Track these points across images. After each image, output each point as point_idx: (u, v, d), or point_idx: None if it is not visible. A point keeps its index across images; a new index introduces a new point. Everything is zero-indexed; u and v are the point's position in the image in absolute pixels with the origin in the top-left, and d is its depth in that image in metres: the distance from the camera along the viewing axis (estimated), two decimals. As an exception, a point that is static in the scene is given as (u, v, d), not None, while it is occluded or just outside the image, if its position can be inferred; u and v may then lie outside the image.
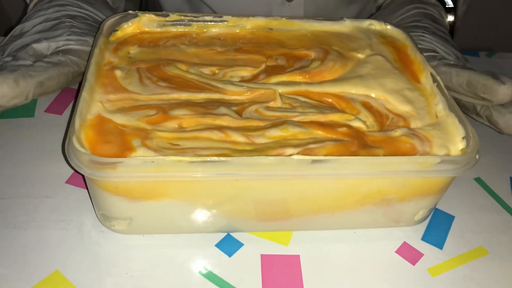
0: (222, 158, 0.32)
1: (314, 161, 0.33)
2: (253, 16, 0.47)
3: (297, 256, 0.38)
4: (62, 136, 0.45)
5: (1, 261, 0.36)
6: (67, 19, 0.47)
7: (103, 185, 0.33)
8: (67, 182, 0.42)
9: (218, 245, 0.38)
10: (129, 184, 0.33)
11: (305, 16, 0.61)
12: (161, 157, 0.32)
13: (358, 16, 0.68)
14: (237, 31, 0.47)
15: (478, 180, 0.46)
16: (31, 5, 0.51)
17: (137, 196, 0.34)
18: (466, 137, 0.37)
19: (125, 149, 0.34)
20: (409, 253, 0.39)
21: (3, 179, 0.42)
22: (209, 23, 0.47)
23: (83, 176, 0.40)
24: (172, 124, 0.37)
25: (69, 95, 0.50)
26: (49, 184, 0.41)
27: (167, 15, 0.46)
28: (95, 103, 0.37)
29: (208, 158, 0.32)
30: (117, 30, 0.45)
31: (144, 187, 0.34)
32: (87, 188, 0.40)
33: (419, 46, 0.49)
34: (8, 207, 0.39)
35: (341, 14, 0.65)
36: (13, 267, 0.36)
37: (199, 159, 0.32)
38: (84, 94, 0.36)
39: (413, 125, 0.39)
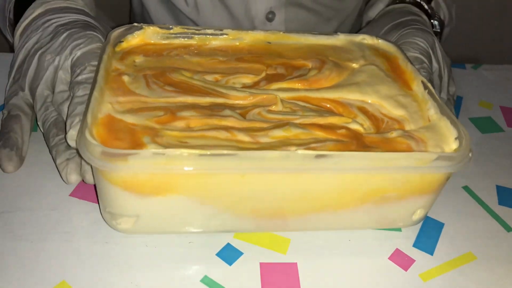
0: (230, 151, 0.33)
1: (318, 156, 0.34)
2: (252, 30, 0.49)
3: (295, 264, 0.39)
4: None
5: (8, 273, 0.36)
6: (60, 28, 0.46)
7: (113, 180, 0.34)
8: (71, 194, 0.42)
9: (218, 254, 0.39)
10: (138, 178, 0.34)
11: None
12: (172, 149, 0.33)
13: (336, 31, 0.71)
14: (237, 44, 0.49)
15: (466, 188, 0.48)
16: (16, 36, 0.50)
17: (145, 191, 0.35)
18: (458, 138, 0.39)
19: (135, 145, 0.35)
20: (401, 259, 0.40)
21: (8, 193, 0.42)
22: (210, 36, 0.49)
23: (92, 185, 0.40)
24: (180, 124, 0.38)
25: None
26: (53, 197, 0.42)
27: (171, 28, 0.48)
28: (105, 104, 0.38)
29: (217, 151, 0.33)
30: (123, 41, 0.46)
31: (153, 182, 0.35)
32: (95, 193, 0.41)
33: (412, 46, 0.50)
34: (14, 220, 0.40)
35: (320, 31, 0.68)
36: (20, 279, 0.36)
37: (208, 152, 0.33)
38: (95, 93, 0.37)
39: (408, 128, 0.41)
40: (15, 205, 0.41)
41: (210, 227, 0.39)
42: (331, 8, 0.70)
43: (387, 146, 0.38)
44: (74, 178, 0.40)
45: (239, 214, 0.38)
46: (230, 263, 0.39)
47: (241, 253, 0.39)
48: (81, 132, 0.34)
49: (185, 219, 0.38)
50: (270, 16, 0.65)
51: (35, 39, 0.47)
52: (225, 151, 0.33)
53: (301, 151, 0.34)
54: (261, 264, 0.39)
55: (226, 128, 0.38)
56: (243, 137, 0.37)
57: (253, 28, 0.66)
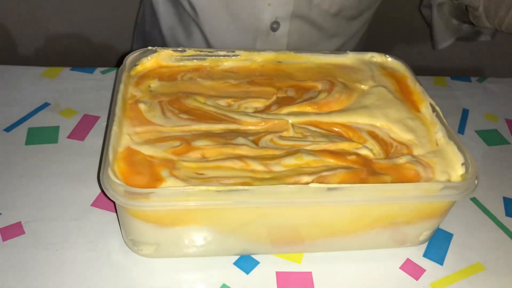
0: (245, 187, 0.35)
1: (329, 189, 0.36)
2: (264, 50, 0.50)
3: (310, 273, 0.41)
4: (85, 161, 0.48)
5: (35, 280, 0.38)
6: None
7: (135, 214, 0.36)
8: (92, 205, 0.45)
9: (236, 263, 0.41)
10: (159, 212, 0.36)
11: (290, 46, 0.65)
12: (191, 187, 0.35)
13: (339, 49, 0.71)
14: (249, 64, 0.50)
15: (474, 200, 0.49)
16: None
17: (166, 223, 0.37)
18: (465, 164, 0.40)
19: (155, 180, 0.37)
20: (412, 269, 0.42)
21: (32, 203, 0.44)
22: (222, 57, 0.50)
23: (110, 200, 0.42)
24: (196, 154, 0.40)
25: (89, 122, 0.53)
26: (75, 207, 0.44)
27: (184, 51, 0.49)
28: (124, 136, 0.40)
29: (234, 187, 0.35)
30: (137, 64, 0.48)
31: (173, 215, 0.36)
32: (115, 211, 0.43)
33: None
34: (39, 230, 0.42)
35: (323, 47, 0.69)
36: (46, 285, 0.38)
37: (225, 188, 0.35)
38: (114, 128, 0.39)
39: (416, 152, 0.42)
40: (39, 215, 0.43)
41: (229, 251, 0.41)
42: (337, 27, 0.70)
43: (396, 173, 0.40)
44: None
45: (255, 241, 0.40)
46: (247, 272, 0.41)
47: (257, 262, 0.41)
48: (103, 170, 0.35)
49: (204, 246, 0.40)
50: (274, 26, 0.66)
51: None
52: (240, 187, 0.35)
53: (313, 185, 0.36)
54: (277, 273, 0.41)
55: (240, 158, 0.39)
56: (256, 166, 0.39)
57: (255, 37, 0.66)
